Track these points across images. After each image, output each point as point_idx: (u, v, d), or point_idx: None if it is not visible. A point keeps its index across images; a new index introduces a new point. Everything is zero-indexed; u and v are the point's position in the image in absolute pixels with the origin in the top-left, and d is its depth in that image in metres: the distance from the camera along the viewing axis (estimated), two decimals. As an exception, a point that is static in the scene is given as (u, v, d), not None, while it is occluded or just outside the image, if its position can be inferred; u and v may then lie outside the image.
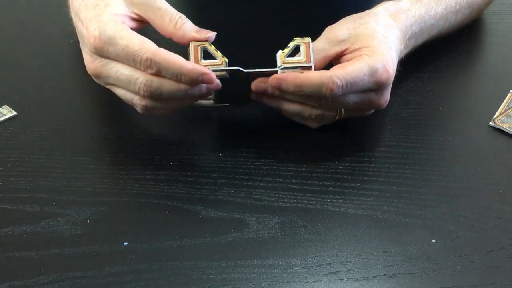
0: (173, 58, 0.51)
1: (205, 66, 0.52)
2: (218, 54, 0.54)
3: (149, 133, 0.59)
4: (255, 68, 0.54)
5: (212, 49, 0.54)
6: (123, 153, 0.58)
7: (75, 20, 0.57)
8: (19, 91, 0.65)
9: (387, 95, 0.56)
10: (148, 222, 0.51)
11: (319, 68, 0.56)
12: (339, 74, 0.52)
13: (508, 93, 0.64)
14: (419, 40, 0.64)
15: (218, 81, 0.52)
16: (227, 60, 0.54)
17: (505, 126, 0.60)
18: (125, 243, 0.49)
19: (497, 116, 0.61)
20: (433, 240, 0.50)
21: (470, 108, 0.64)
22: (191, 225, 0.51)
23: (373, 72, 0.53)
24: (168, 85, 0.52)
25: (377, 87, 0.54)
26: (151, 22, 0.55)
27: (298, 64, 0.54)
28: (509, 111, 0.62)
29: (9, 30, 0.75)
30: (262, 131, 0.60)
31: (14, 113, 0.62)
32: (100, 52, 0.53)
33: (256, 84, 0.55)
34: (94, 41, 0.52)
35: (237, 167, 0.56)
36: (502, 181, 0.55)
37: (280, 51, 0.55)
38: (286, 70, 0.54)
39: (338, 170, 0.56)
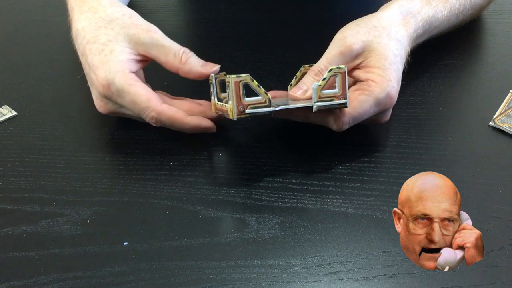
0: (176, 116, 0.55)
1: (248, 104, 0.51)
2: (261, 90, 0.51)
3: (149, 133, 0.59)
4: (288, 105, 0.52)
5: (254, 85, 0.51)
6: (123, 153, 0.58)
7: (82, 60, 0.58)
8: (19, 91, 0.65)
9: (388, 115, 0.58)
10: (148, 222, 0.51)
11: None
12: (347, 113, 0.54)
13: (508, 93, 0.64)
14: (420, 40, 0.64)
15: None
16: (270, 97, 0.51)
17: (505, 126, 0.60)
18: (125, 243, 0.49)
19: (497, 116, 0.61)
20: (433, 240, 0.50)
21: (470, 108, 0.64)
22: (191, 225, 0.51)
23: (378, 103, 0.55)
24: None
25: (380, 112, 0.56)
26: (156, 60, 0.57)
27: (334, 101, 0.52)
28: (509, 111, 0.62)
29: (9, 30, 0.75)
30: (262, 131, 0.60)
31: (14, 113, 0.62)
32: (109, 99, 0.56)
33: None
34: (103, 89, 0.55)
35: (237, 167, 0.56)
36: (502, 181, 0.55)
37: (316, 84, 0.51)
38: (321, 106, 0.52)
39: (338, 170, 0.56)
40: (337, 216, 0.52)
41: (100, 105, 0.57)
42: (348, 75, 0.54)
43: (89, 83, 0.58)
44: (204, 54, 0.57)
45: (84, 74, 0.58)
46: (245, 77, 0.50)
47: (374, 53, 0.56)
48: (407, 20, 0.61)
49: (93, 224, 0.51)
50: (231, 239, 0.50)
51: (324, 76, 0.52)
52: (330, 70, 0.52)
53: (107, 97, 0.56)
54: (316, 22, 0.76)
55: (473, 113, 0.63)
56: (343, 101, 0.52)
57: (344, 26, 0.58)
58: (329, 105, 0.52)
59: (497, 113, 0.62)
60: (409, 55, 0.60)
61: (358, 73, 0.57)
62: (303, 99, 0.54)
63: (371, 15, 0.60)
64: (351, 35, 0.57)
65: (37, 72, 0.68)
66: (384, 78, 0.55)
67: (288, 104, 0.52)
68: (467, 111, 0.63)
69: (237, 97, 0.50)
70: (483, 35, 0.73)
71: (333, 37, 0.58)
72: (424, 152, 0.58)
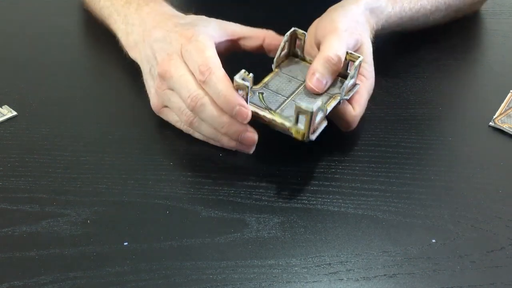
0: (227, 80, 0.53)
1: (316, 127, 0.53)
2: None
3: (149, 133, 0.60)
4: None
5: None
6: (123, 153, 0.58)
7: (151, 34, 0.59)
8: (19, 91, 0.65)
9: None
10: (148, 222, 0.51)
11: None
12: (357, 112, 0.56)
13: (508, 93, 0.64)
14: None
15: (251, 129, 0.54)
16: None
17: (505, 126, 0.60)
18: (125, 243, 0.49)
19: (497, 116, 0.61)
20: (433, 240, 0.50)
21: (470, 108, 0.64)
22: (191, 225, 0.51)
23: (369, 96, 0.58)
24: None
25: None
26: (242, 37, 0.60)
27: (354, 90, 0.56)
28: (509, 111, 0.62)
29: (9, 30, 0.75)
30: (262, 131, 0.60)
31: (14, 113, 0.62)
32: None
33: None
34: (185, 40, 0.55)
35: (237, 167, 0.56)
36: (502, 181, 0.55)
37: (350, 81, 0.55)
38: (346, 98, 0.55)
39: (338, 170, 0.56)
40: (337, 216, 0.52)
41: (154, 96, 0.58)
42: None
43: (150, 64, 0.58)
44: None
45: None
46: (322, 105, 0.52)
47: (363, 48, 0.58)
48: (372, 16, 0.63)
49: (93, 224, 0.51)
50: (231, 239, 0.50)
51: (352, 74, 0.55)
52: (349, 55, 0.56)
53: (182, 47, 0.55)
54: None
55: (473, 113, 0.63)
56: (357, 85, 0.56)
57: (324, 14, 0.61)
58: (351, 95, 0.56)
59: (497, 113, 0.62)
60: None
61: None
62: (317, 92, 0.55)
63: (342, 8, 0.61)
64: (340, 22, 0.58)
65: (37, 72, 0.68)
66: (372, 73, 0.58)
67: (316, 101, 0.52)
68: (467, 111, 0.63)
69: (312, 125, 0.51)
70: (483, 35, 0.73)
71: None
72: (424, 152, 0.58)
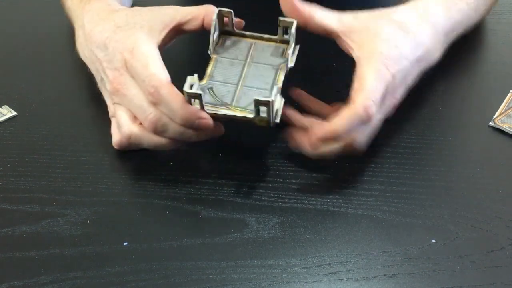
0: (178, 96, 0.51)
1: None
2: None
3: (149, 133, 0.59)
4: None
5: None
6: (123, 153, 0.57)
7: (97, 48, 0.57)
8: (19, 91, 0.65)
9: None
10: (148, 222, 0.51)
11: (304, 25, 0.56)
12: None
13: (508, 93, 0.64)
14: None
15: (217, 127, 0.53)
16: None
17: (505, 126, 0.60)
18: (125, 243, 0.49)
19: (497, 116, 0.61)
20: (433, 240, 0.50)
21: (470, 108, 0.64)
22: (191, 225, 0.51)
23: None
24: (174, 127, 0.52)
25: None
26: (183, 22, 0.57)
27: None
28: (509, 111, 0.62)
29: (9, 30, 0.75)
30: (261, 131, 0.60)
31: (14, 113, 0.62)
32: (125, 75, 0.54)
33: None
34: (127, 55, 0.53)
35: (237, 167, 0.56)
36: (502, 181, 0.55)
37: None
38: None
39: (338, 170, 0.56)
40: (337, 216, 0.52)
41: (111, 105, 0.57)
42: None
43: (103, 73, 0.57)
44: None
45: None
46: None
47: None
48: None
49: (93, 224, 0.51)
50: (231, 239, 0.50)
51: (291, 42, 0.55)
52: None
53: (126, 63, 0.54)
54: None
55: (473, 113, 0.63)
56: (298, 45, 0.56)
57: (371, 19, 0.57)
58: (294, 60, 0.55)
59: (497, 113, 0.62)
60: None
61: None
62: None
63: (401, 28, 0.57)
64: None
65: (37, 72, 0.68)
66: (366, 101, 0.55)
67: (266, 79, 0.54)
68: (467, 111, 0.63)
69: (273, 110, 0.51)
70: (483, 35, 0.73)
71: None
72: (424, 152, 0.58)
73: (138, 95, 0.53)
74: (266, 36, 0.58)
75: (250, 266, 0.48)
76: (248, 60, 0.56)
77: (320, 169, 0.56)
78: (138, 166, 0.56)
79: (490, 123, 0.61)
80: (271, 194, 0.54)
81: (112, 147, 0.57)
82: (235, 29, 0.58)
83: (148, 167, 0.56)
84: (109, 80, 0.55)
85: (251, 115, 0.51)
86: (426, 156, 0.57)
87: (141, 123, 0.53)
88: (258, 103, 0.50)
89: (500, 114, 0.62)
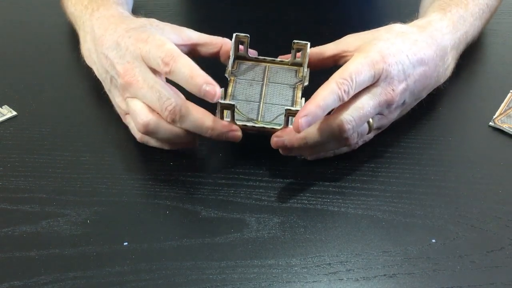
0: (193, 64, 0.51)
1: None
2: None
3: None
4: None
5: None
6: (123, 153, 0.58)
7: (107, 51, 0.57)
8: (19, 91, 0.65)
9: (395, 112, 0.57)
10: (148, 222, 0.51)
11: (314, 67, 0.58)
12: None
13: (508, 93, 0.64)
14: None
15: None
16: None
17: (505, 126, 0.60)
18: (125, 243, 0.49)
19: (497, 116, 0.61)
20: (433, 240, 0.50)
21: (470, 108, 0.64)
22: (191, 225, 0.51)
23: (371, 62, 0.53)
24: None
25: (379, 78, 0.53)
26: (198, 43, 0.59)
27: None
28: (509, 111, 0.62)
29: (9, 30, 0.75)
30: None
31: (14, 113, 0.62)
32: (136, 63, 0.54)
33: (275, 142, 0.54)
34: (138, 43, 0.54)
35: (237, 167, 0.56)
36: (502, 181, 0.55)
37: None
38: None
39: (338, 170, 0.56)
40: (337, 216, 0.52)
41: (118, 105, 0.57)
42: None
43: (110, 73, 0.56)
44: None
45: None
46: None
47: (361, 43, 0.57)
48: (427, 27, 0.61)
49: (93, 224, 0.51)
50: (231, 239, 0.50)
51: (306, 62, 0.58)
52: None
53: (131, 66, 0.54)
54: (316, 22, 0.76)
55: (473, 113, 0.63)
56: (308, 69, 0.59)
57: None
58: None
59: (497, 113, 0.62)
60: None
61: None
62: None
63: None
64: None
65: (37, 72, 0.68)
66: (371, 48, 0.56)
67: (289, 95, 0.57)
68: (467, 111, 0.63)
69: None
70: (483, 35, 0.73)
71: (334, 37, 0.58)
72: (424, 152, 0.58)
73: (155, 85, 0.52)
74: (278, 59, 0.60)
75: (250, 266, 0.48)
76: (265, 80, 0.59)
77: (320, 169, 0.56)
78: (138, 166, 0.56)
79: (490, 123, 0.61)
80: (271, 194, 0.54)
81: (112, 147, 0.58)
82: (249, 55, 0.60)
83: (148, 167, 0.56)
84: (120, 75, 0.54)
85: (280, 127, 0.53)
86: (426, 156, 0.57)
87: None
88: (289, 113, 0.52)
89: (500, 114, 0.62)
